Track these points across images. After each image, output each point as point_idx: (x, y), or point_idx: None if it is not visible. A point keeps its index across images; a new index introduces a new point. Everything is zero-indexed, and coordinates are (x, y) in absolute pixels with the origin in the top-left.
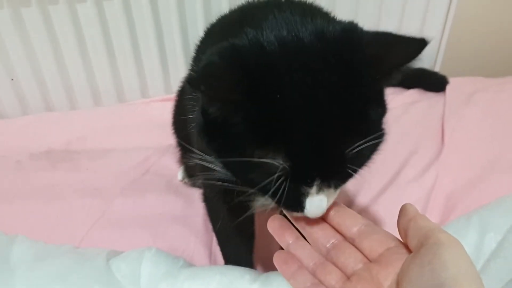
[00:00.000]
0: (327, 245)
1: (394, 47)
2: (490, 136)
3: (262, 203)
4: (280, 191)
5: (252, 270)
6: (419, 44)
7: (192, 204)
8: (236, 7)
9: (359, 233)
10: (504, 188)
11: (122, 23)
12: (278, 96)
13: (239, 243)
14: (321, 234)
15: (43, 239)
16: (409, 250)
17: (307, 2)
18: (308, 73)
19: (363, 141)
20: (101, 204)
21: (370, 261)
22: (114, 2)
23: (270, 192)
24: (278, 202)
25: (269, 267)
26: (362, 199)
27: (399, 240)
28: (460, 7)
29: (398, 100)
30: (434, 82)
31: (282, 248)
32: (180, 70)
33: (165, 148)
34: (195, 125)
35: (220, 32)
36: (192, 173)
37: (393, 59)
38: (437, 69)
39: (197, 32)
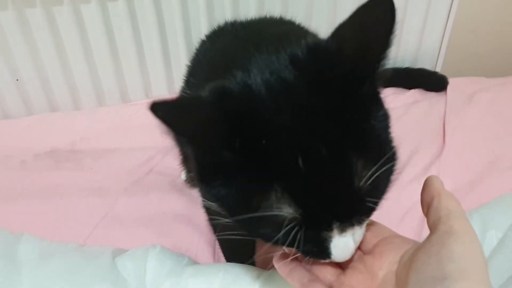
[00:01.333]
0: None
1: (363, 32)
2: (491, 135)
3: None
4: (297, 241)
5: (256, 267)
6: (384, 11)
7: (196, 203)
8: (212, 33)
9: None
10: (505, 187)
11: (126, 23)
12: (273, 141)
13: (239, 247)
14: None
15: (48, 238)
16: (404, 240)
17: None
18: (298, 111)
19: (376, 167)
20: (105, 203)
21: (364, 253)
22: (118, 3)
23: (287, 243)
24: (300, 251)
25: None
26: None
27: (392, 230)
28: (461, 7)
29: (399, 101)
30: (435, 82)
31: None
32: (183, 70)
33: (169, 148)
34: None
35: (207, 68)
36: (192, 178)
37: (371, 43)
38: (438, 69)
39: (200, 32)
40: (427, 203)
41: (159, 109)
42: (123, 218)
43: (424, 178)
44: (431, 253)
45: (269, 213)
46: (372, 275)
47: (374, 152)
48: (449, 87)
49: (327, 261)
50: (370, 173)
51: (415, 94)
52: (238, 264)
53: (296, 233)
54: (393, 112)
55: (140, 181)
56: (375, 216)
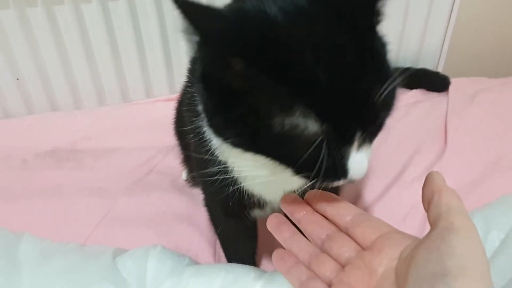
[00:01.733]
0: (322, 237)
1: None
2: (493, 136)
3: (260, 213)
4: (321, 159)
5: (257, 268)
6: None
7: (197, 203)
8: None
9: (352, 222)
10: (507, 187)
11: (127, 23)
12: (294, 58)
13: (240, 247)
14: (316, 227)
15: (48, 237)
16: (404, 235)
17: None
18: (316, 31)
19: (387, 83)
20: (105, 203)
21: (363, 249)
22: (119, 2)
23: (311, 163)
24: (318, 176)
25: (272, 266)
26: (365, 198)
27: (392, 226)
28: (463, 7)
29: (400, 101)
30: (437, 83)
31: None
32: (184, 70)
33: (170, 147)
34: (207, 119)
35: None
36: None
37: None
38: (439, 69)
39: None
40: (428, 199)
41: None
42: (123, 218)
43: None
44: (431, 249)
45: (295, 131)
46: (371, 272)
47: (383, 70)
48: (451, 87)
49: (342, 182)
50: (383, 88)
51: (417, 94)
52: (239, 264)
53: (320, 150)
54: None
55: (141, 181)
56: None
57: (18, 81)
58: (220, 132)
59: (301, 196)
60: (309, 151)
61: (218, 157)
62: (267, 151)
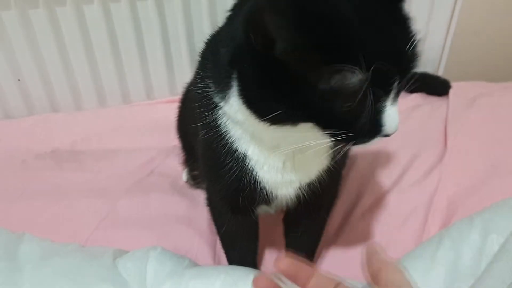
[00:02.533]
0: None
1: None
2: (493, 140)
3: (265, 209)
4: (368, 107)
5: (257, 270)
6: None
7: (197, 204)
8: None
9: None
10: (507, 191)
11: (128, 25)
12: (339, 11)
13: (243, 246)
14: None
15: (48, 238)
16: None
17: None
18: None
19: (415, 37)
20: (106, 204)
21: None
22: (121, 4)
23: (351, 123)
24: (356, 133)
25: (272, 267)
26: (365, 201)
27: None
28: (464, 11)
29: (401, 104)
30: (437, 86)
31: (286, 248)
32: (185, 72)
33: (170, 149)
34: (246, 101)
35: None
36: (195, 177)
37: None
38: (440, 73)
39: (203, 34)
40: (373, 274)
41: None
42: (123, 219)
43: (426, 182)
44: None
45: (343, 83)
46: None
47: (411, 28)
48: (451, 91)
49: (376, 140)
50: (412, 40)
51: (417, 98)
52: (240, 266)
53: (364, 103)
54: None
55: (141, 182)
56: (378, 219)
57: (19, 82)
58: (263, 110)
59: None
60: (358, 97)
61: (236, 149)
62: (314, 116)
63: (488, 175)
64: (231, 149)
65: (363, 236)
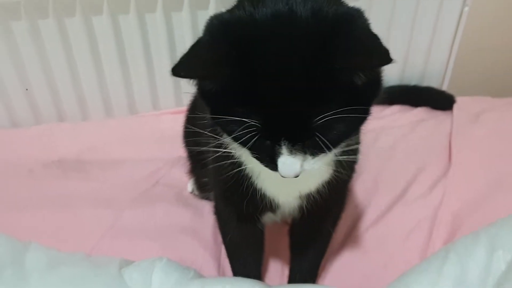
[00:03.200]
0: None
1: (363, 52)
2: (497, 155)
3: (271, 218)
4: (253, 143)
5: (262, 282)
6: (382, 59)
7: (201, 216)
8: None
9: None
10: (511, 207)
11: (136, 36)
12: (258, 64)
13: (248, 256)
14: None
15: (54, 247)
16: None
17: None
18: (288, 43)
19: (332, 112)
20: (111, 214)
21: None
22: (129, 16)
23: (247, 143)
24: (257, 157)
25: (277, 279)
26: (369, 215)
27: None
28: (469, 26)
29: (405, 118)
30: (442, 101)
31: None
32: (191, 84)
33: (175, 159)
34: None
35: None
36: (202, 186)
37: (356, 62)
38: (444, 87)
39: None
40: None
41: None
42: (129, 229)
43: (430, 196)
44: None
45: (239, 118)
46: None
47: (334, 101)
48: (455, 106)
49: (279, 174)
50: (324, 115)
51: (421, 112)
52: (245, 278)
53: (253, 136)
54: (399, 130)
55: (147, 193)
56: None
57: (27, 91)
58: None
59: None
60: (242, 133)
61: (233, 156)
62: (223, 126)
63: (493, 190)
64: (229, 156)
65: (367, 250)
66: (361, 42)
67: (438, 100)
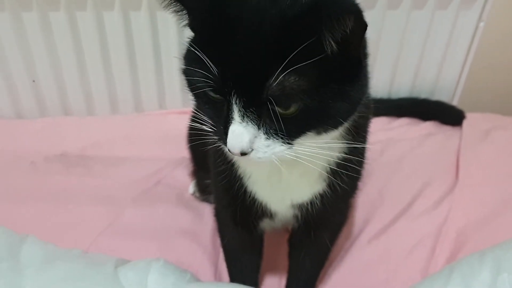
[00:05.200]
0: None
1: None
2: (505, 174)
3: (270, 224)
4: (207, 98)
5: None
6: (350, 11)
7: (201, 219)
8: None
9: None
10: None
11: (146, 33)
12: (230, 9)
13: (245, 261)
14: None
15: (52, 241)
16: None
17: None
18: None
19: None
20: (111, 211)
21: None
22: (141, 13)
23: (204, 100)
24: (212, 125)
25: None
26: (372, 228)
27: None
28: (483, 41)
29: (414, 132)
30: (451, 116)
31: (289, 269)
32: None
33: (179, 160)
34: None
35: None
36: (203, 188)
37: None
38: (455, 102)
39: None
40: None
41: None
42: (128, 228)
43: (435, 212)
44: None
45: (199, 70)
46: None
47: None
48: (465, 122)
49: (226, 148)
50: (278, 72)
51: (430, 126)
52: (241, 285)
53: (209, 86)
54: (407, 143)
55: (148, 192)
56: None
57: (33, 83)
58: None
59: None
60: (201, 79)
61: (226, 156)
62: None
63: (499, 209)
64: (223, 155)
65: (368, 263)
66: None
67: (447, 115)
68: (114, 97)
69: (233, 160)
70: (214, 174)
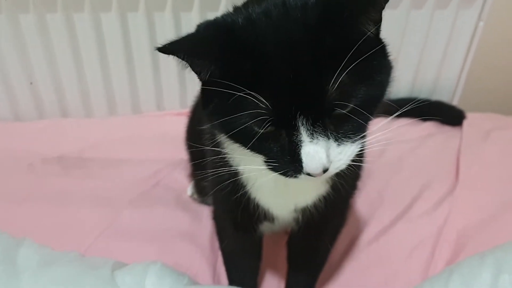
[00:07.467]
0: None
1: None
2: (505, 175)
3: (269, 227)
4: (264, 139)
5: None
6: None
7: (200, 221)
8: None
9: None
10: None
11: (144, 35)
12: (254, 44)
13: (244, 264)
14: None
15: (49, 243)
16: None
17: None
18: (284, 19)
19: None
20: (109, 213)
21: None
22: (138, 14)
23: (260, 144)
24: (273, 164)
25: None
26: (372, 229)
27: None
28: (483, 41)
29: (414, 132)
30: (452, 116)
31: (288, 272)
32: (196, 85)
33: (177, 162)
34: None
35: None
36: (202, 190)
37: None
38: (455, 102)
39: None
40: None
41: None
42: (126, 230)
43: (435, 214)
44: None
45: (245, 112)
46: None
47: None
48: (465, 122)
49: (302, 175)
50: (336, 75)
51: (430, 126)
52: None
53: (266, 124)
54: (407, 144)
55: (146, 194)
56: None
57: (31, 85)
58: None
59: None
60: (254, 120)
61: (231, 163)
62: (226, 128)
63: (500, 211)
64: (227, 163)
65: (368, 265)
66: None
67: (448, 115)
68: (112, 99)
69: (237, 169)
70: (214, 181)
